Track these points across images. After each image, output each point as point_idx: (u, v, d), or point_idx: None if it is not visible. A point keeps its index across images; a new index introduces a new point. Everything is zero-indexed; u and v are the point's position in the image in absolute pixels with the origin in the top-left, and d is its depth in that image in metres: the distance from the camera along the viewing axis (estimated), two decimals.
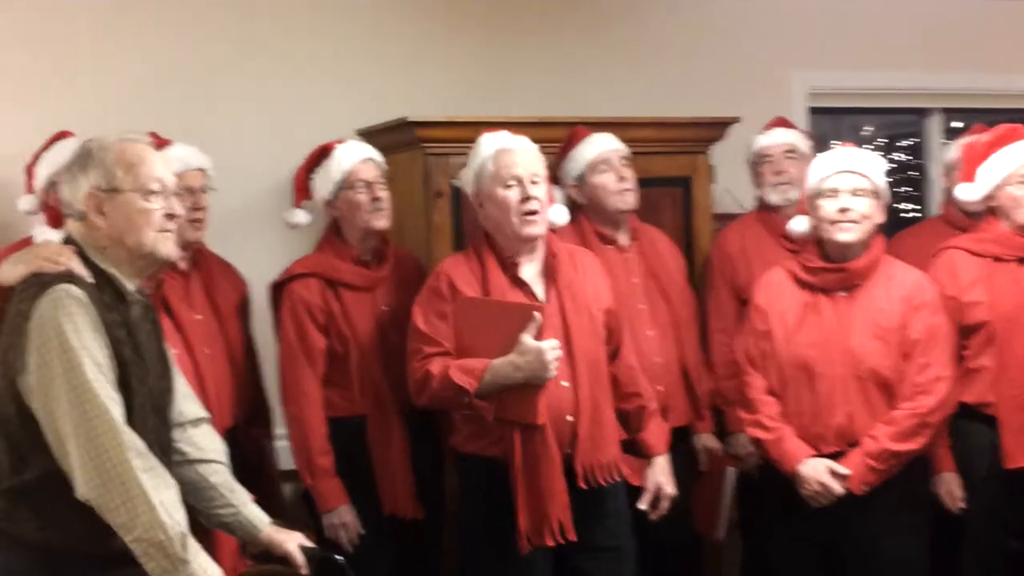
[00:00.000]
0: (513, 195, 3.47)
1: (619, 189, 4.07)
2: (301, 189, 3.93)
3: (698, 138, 4.56)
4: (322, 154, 3.88)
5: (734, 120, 4.54)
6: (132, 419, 2.57)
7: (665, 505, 3.72)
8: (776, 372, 3.71)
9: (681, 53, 5.20)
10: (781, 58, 5.34)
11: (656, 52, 5.15)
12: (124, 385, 2.58)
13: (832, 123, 5.97)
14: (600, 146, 4.12)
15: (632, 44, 5.11)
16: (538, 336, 3.31)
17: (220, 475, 2.96)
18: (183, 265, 3.71)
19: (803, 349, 3.66)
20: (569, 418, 3.45)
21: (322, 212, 3.99)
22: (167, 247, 2.71)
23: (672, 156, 4.50)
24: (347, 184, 3.80)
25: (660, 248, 4.25)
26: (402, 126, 4.20)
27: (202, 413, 3.00)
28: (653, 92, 5.02)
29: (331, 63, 4.68)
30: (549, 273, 3.55)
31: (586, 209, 4.14)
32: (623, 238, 4.16)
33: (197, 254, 3.78)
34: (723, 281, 4.44)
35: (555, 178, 4.15)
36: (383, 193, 3.83)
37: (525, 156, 3.52)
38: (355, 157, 3.84)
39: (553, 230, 3.68)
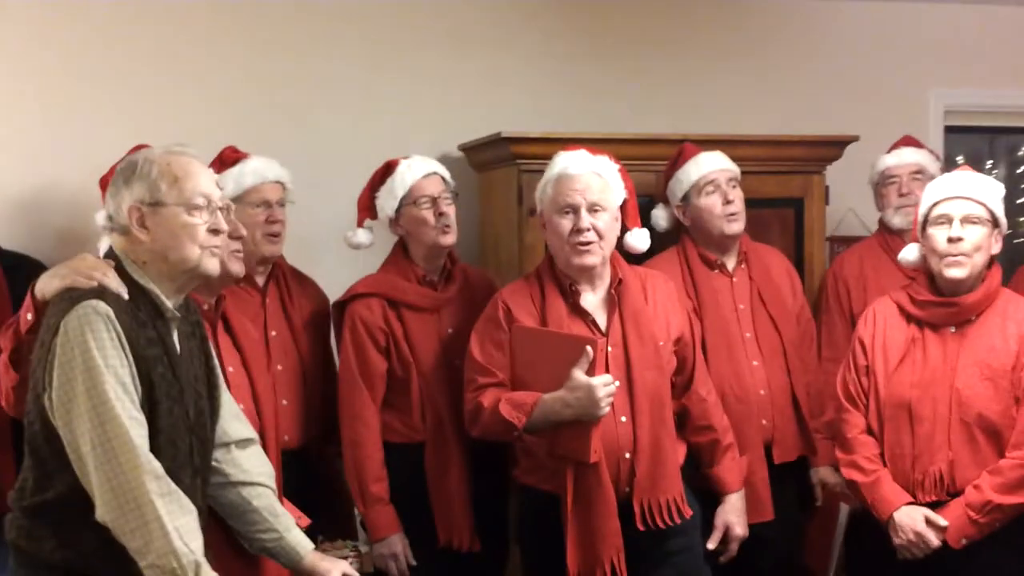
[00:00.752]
0: (567, 224, 3.33)
1: (725, 213, 3.85)
2: (365, 208, 3.77)
3: (814, 157, 4.34)
4: (386, 171, 3.74)
5: (852, 139, 4.32)
6: (159, 440, 2.51)
7: (734, 547, 3.54)
8: (875, 411, 3.47)
9: (799, 68, 4.97)
10: (916, 75, 5.07)
11: (772, 67, 4.93)
12: (152, 404, 2.51)
13: (984, 143, 5.67)
14: (708, 165, 3.91)
15: (745, 59, 4.91)
16: (591, 371, 3.14)
17: (264, 499, 2.88)
18: (259, 280, 3.65)
19: (904, 388, 3.40)
20: (627, 455, 3.28)
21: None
22: (211, 264, 2.63)
23: (785, 176, 4.28)
24: (410, 200, 3.65)
25: (773, 271, 4.00)
26: (497, 142, 4.08)
27: (249, 434, 2.93)
28: (766, 109, 4.81)
29: (437, 78, 4.59)
30: (613, 302, 3.38)
31: (691, 231, 3.95)
32: (730, 262, 3.94)
33: (275, 268, 3.70)
34: (837, 307, 4.20)
35: (664, 197, 4.01)
36: (448, 209, 3.68)
37: (586, 182, 3.34)
38: (419, 172, 3.69)
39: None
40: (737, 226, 3.88)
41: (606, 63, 4.74)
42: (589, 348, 3.14)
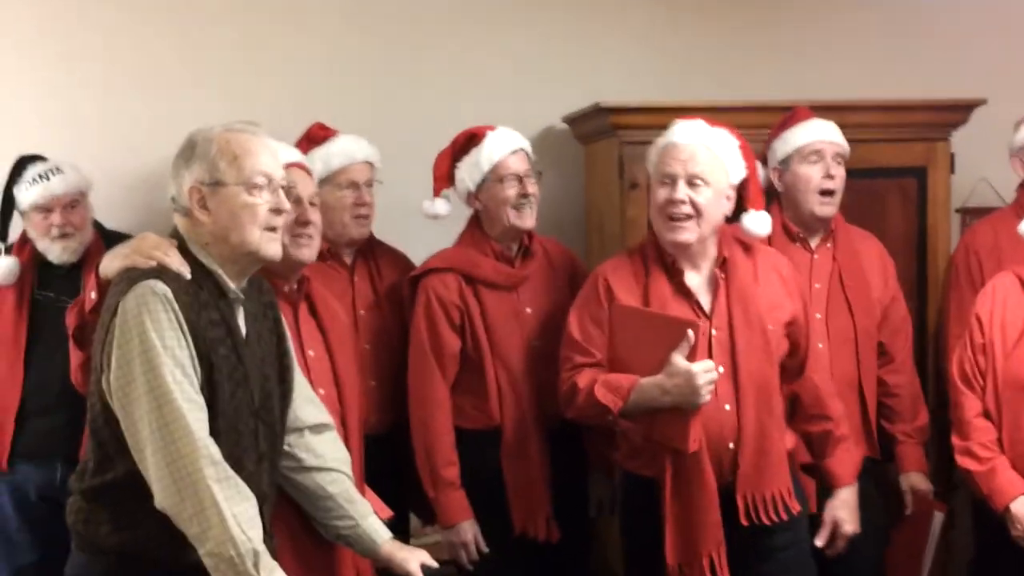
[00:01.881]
0: (663, 194, 3.15)
1: (820, 188, 3.63)
2: (443, 177, 3.61)
3: (937, 122, 4.08)
4: (470, 141, 3.59)
5: (979, 102, 4.05)
6: (220, 423, 2.46)
7: (840, 544, 3.33)
8: (993, 392, 3.25)
9: (920, 26, 4.68)
10: None
11: (890, 25, 4.65)
12: (213, 386, 2.46)
13: None
14: (818, 134, 3.68)
15: (860, 17, 4.63)
16: (692, 356, 2.98)
17: (339, 484, 2.82)
18: (347, 258, 3.58)
19: (1022, 367, 3.16)
20: (731, 445, 3.11)
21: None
22: (272, 247, 2.56)
23: (904, 144, 4.03)
24: (495, 176, 3.51)
25: (863, 255, 3.76)
26: (596, 112, 3.94)
27: (324, 419, 2.86)
28: (885, 72, 4.53)
29: (537, 47, 4.45)
30: (718, 282, 3.19)
31: (781, 198, 3.74)
32: (814, 238, 3.72)
33: (363, 245, 3.62)
34: (968, 281, 3.92)
35: (763, 157, 3.77)
36: (533, 189, 3.53)
37: (691, 153, 3.14)
38: (506, 148, 3.53)
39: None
40: (830, 209, 3.67)
41: (713, 27, 4.55)
42: (691, 332, 2.98)
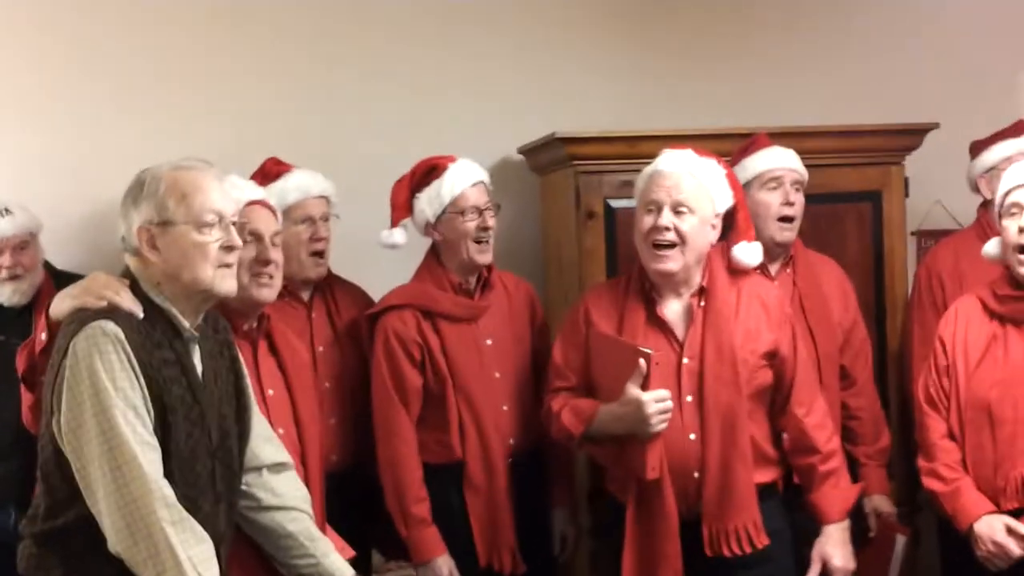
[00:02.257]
0: (648, 222, 3.14)
1: (780, 214, 3.63)
2: (402, 206, 3.55)
3: (891, 147, 4.09)
4: (430, 172, 3.54)
5: (932, 126, 4.07)
6: (175, 464, 2.42)
7: None
8: (957, 414, 3.25)
9: (873, 54, 4.69)
10: (1002, 57, 4.75)
11: (844, 54, 4.67)
12: (167, 427, 2.41)
13: None
14: (776, 161, 3.68)
15: (813, 47, 4.65)
16: (647, 384, 2.98)
17: (299, 523, 2.78)
18: (304, 295, 3.54)
19: (984, 389, 3.18)
20: (695, 475, 3.10)
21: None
22: (226, 284, 2.52)
23: (859, 168, 4.04)
24: (456, 209, 3.47)
25: (823, 280, 3.76)
26: (552, 143, 3.93)
27: (283, 458, 2.82)
28: (838, 98, 4.54)
29: (493, 78, 4.43)
30: (695, 311, 3.18)
31: None
32: (774, 265, 3.71)
33: (321, 281, 3.58)
34: (931, 303, 3.93)
35: None
36: (492, 222, 3.51)
37: (676, 180, 3.13)
38: (468, 180, 3.50)
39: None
40: (789, 235, 3.66)
41: (670, 56, 4.54)
42: (642, 361, 2.98)
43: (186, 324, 2.52)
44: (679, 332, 3.17)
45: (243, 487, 2.71)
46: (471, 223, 3.47)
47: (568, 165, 3.91)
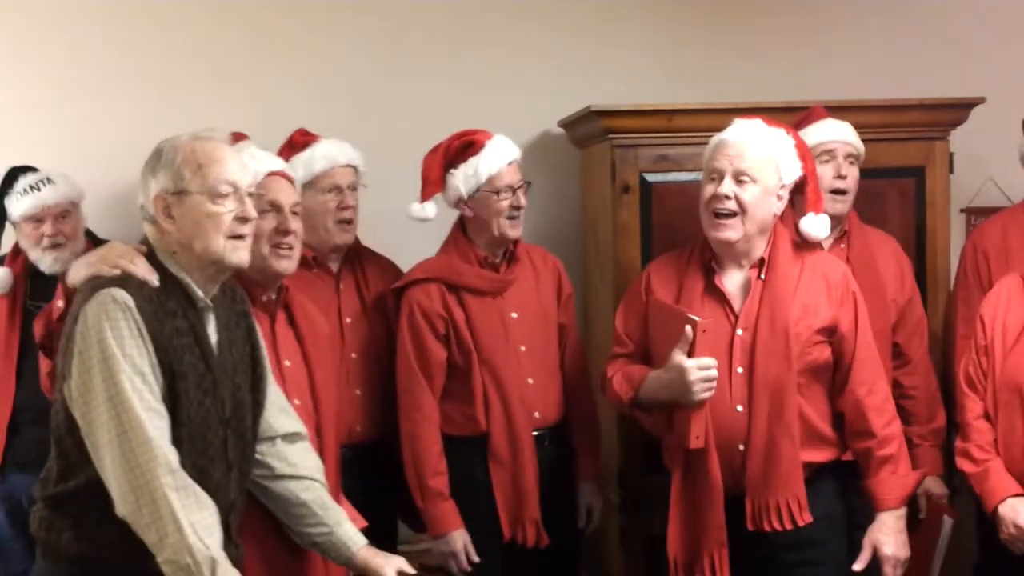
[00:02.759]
0: (709, 190, 3.11)
1: (831, 187, 3.57)
2: (435, 182, 3.53)
3: (934, 122, 3.99)
4: (467, 148, 3.50)
5: (977, 101, 3.97)
6: (185, 432, 2.44)
7: (887, 571, 3.16)
8: (992, 394, 3.19)
9: (918, 27, 4.58)
10: None
11: (888, 27, 4.56)
12: (176, 395, 2.43)
13: None
14: (828, 133, 3.63)
15: (859, 19, 4.55)
16: (692, 352, 2.96)
17: (312, 492, 2.80)
18: (333, 265, 3.55)
19: (1018, 370, 3.12)
20: (740, 447, 3.07)
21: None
22: (238, 255, 2.53)
23: (903, 143, 3.96)
24: (491, 187, 3.46)
25: (879, 256, 3.70)
26: (589, 116, 3.90)
27: (297, 428, 2.84)
28: (882, 72, 4.44)
29: (533, 53, 4.42)
30: (755, 283, 3.15)
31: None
32: (826, 241, 3.62)
33: (349, 252, 3.60)
34: (976, 282, 3.85)
35: None
36: (524, 200, 3.50)
37: (739, 150, 3.08)
38: (504, 158, 3.48)
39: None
40: (840, 207, 3.60)
41: (713, 29, 4.49)
42: (688, 328, 2.96)
43: (200, 294, 2.54)
44: (736, 303, 3.14)
45: (257, 456, 2.74)
46: (505, 202, 3.46)
47: (604, 139, 3.88)
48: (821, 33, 4.52)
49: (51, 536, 2.47)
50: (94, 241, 3.88)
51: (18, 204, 3.77)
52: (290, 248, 3.02)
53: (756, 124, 3.16)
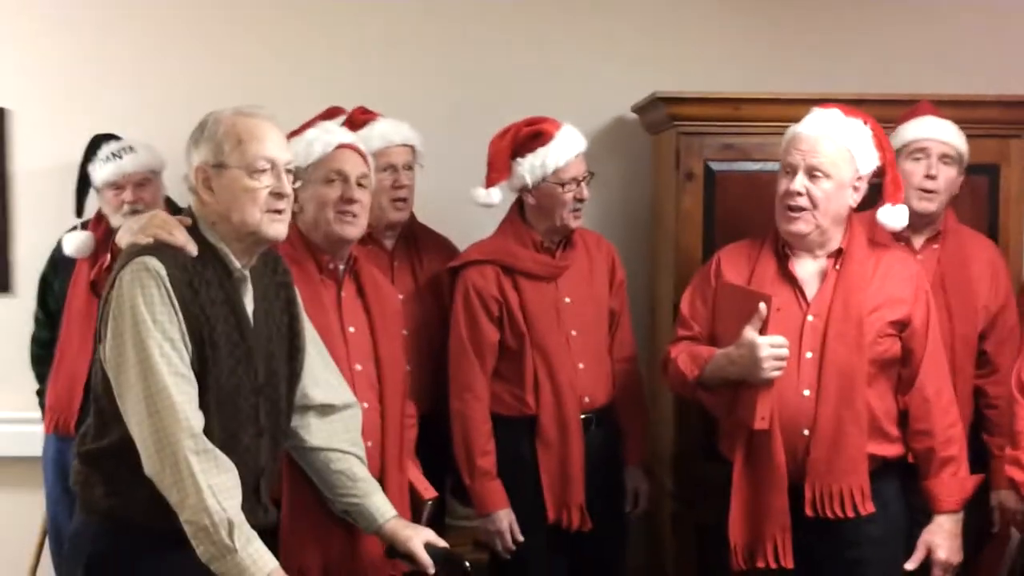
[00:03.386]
0: (783, 185, 3.13)
1: (921, 186, 3.53)
2: (502, 169, 3.52)
3: (1009, 119, 3.90)
4: (536, 138, 3.50)
5: None
6: (213, 397, 2.52)
7: (938, 574, 3.15)
8: None
9: (993, 20, 4.45)
10: None
11: (959, 20, 4.45)
12: (206, 362, 2.52)
13: None
14: (925, 130, 3.58)
15: (933, 12, 4.46)
16: (764, 330, 2.97)
17: (344, 463, 2.87)
18: (387, 242, 3.62)
19: None
20: (805, 432, 3.07)
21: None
22: (274, 228, 2.60)
23: (976, 140, 3.82)
24: (557, 179, 3.47)
25: (973, 261, 3.62)
26: (656, 102, 3.90)
27: (333, 400, 2.90)
28: (952, 67, 4.35)
29: (607, 38, 4.42)
30: (829, 271, 3.16)
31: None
32: (918, 238, 3.61)
33: (404, 230, 3.66)
34: None
35: None
36: (587, 192, 3.52)
37: (812, 144, 3.09)
38: (572, 151, 3.49)
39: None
40: (927, 205, 3.54)
41: (790, 19, 4.43)
42: (762, 305, 2.98)
43: (237, 264, 2.62)
44: (809, 290, 3.15)
45: (292, 426, 2.83)
46: (570, 194, 3.48)
47: (670, 125, 3.88)
48: (895, 25, 4.43)
49: (86, 491, 2.58)
50: (174, 209, 4.00)
51: (101, 171, 3.91)
52: (354, 216, 3.10)
53: (832, 115, 3.14)
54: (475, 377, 3.49)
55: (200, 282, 2.55)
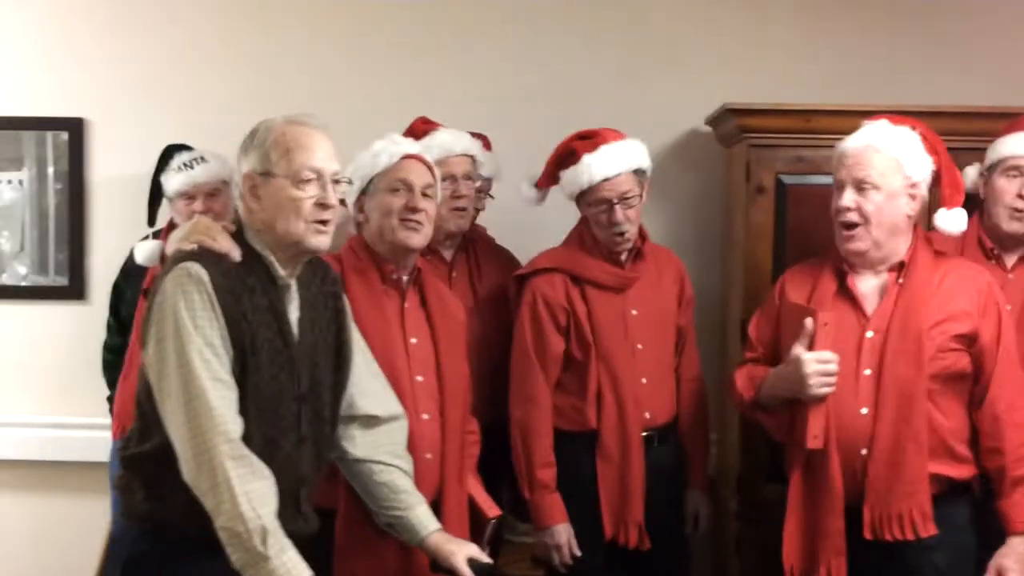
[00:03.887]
0: (835, 202, 3.08)
1: (1012, 205, 3.41)
2: (547, 176, 3.55)
3: None
4: (567, 156, 3.47)
5: None
6: (253, 403, 2.51)
7: None
8: None
9: None
10: None
11: None
12: (247, 368, 2.50)
13: None
14: (1021, 145, 3.45)
15: (1008, 20, 4.30)
16: (812, 346, 2.92)
17: (387, 475, 2.86)
18: (446, 253, 3.60)
19: None
20: (863, 452, 2.98)
21: None
22: (318, 239, 2.59)
23: None
24: (589, 199, 3.43)
25: None
26: (724, 115, 3.83)
27: (379, 412, 2.88)
28: None
29: (682, 50, 4.36)
30: (891, 286, 3.08)
31: (982, 207, 3.52)
32: (1011, 256, 3.48)
33: (465, 241, 3.63)
34: None
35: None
36: (628, 213, 3.40)
37: (858, 157, 3.04)
38: (601, 173, 3.39)
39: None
40: (1017, 226, 3.42)
41: (878, 31, 4.32)
42: (808, 320, 2.93)
43: (282, 272, 2.61)
44: (869, 306, 3.08)
45: (337, 436, 2.81)
46: (603, 215, 3.42)
47: (741, 138, 3.80)
48: (968, 35, 4.30)
49: (127, 495, 2.58)
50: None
51: (172, 180, 3.95)
52: (419, 224, 3.09)
53: (878, 126, 3.08)
54: (538, 387, 3.44)
55: (243, 288, 2.54)
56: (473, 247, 3.68)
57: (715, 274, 4.21)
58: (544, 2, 4.36)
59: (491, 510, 3.13)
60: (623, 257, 3.51)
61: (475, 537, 3.03)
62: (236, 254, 2.57)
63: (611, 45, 4.35)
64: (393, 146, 3.17)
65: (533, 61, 4.35)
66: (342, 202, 2.71)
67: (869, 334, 3.02)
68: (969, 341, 3.03)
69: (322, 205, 2.59)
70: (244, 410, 2.49)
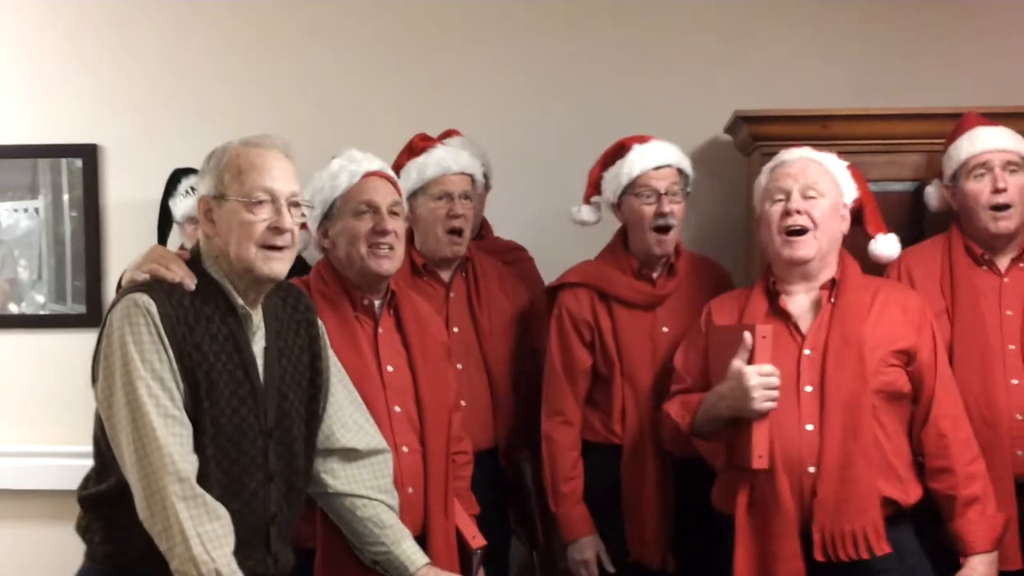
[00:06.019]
0: (777, 210, 2.99)
1: (990, 204, 3.25)
2: (592, 184, 3.50)
3: None
4: (618, 151, 3.43)
5: None
6: (210, 439, 2.42)
7: None
8: None
9: None
10: None
11: None
12: (200, 402, 2.41)
13: None
14: (982, 143, 3.31)
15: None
16: (751, 360, 2.81)
17: (369, 510, 2.75)
18: (444, 275, 3.49)
19: None
20: (811, 469, 2.86)
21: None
22: (270, 266, 2.48)
23: None
24: (634, 190, 3.35)
25: None
26: (737, 123, 3.69)
27: (358, 445, 2.76)
28: None
29: (702, 58, 4.25)
30: (823, 303, 3.00)
31: (959, 217, 3.38)
32: (1003, 259, 3.32)
33: (464, 263, 3.52)
34: None
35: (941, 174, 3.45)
36: (673, 207, 3.34)
37: (801, 167, 3.02)
38: (650, 162, 3.35)
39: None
40: (1005, 224, 3.26)
41: (878, 37, 4.17)
42: (747, 334, 2.84)
43: (239, 300, 2.51)
44: (803, 324, 3.01)
45: (315, 471, 2.72)
46: (648, 207, 3.34)
47: (754, 146, 3.66)
48: (983, 36, 4.14)
49: (86, 536, 2.52)
50: None
51: (180, 205, 3.91)
52: (390, 248, 2.95)
53: (804, 149, 3.13)
54: (565, 401, 3.39)
55: (197, 319, 2.45)
56: (473, 268, 3.55)
57: (740, 284, 4.07)
58: (559, 13, 4.27)
59: (475, 541, 3.02)
60: (655, 274, 3.41)
61: (462, 570, 2.92)
62: (190, 283, 2.47)
63: (634, 54, 4.26)
64: (352, 164, 3.01)
65: (557, 74, 4.27)
66: (304, 226, 2.62)
67: (807, 351, 2.95)
68: (908, 358, 2.97)
69: (275, 229, 2.48)
70: (202, 447, 2.41)
